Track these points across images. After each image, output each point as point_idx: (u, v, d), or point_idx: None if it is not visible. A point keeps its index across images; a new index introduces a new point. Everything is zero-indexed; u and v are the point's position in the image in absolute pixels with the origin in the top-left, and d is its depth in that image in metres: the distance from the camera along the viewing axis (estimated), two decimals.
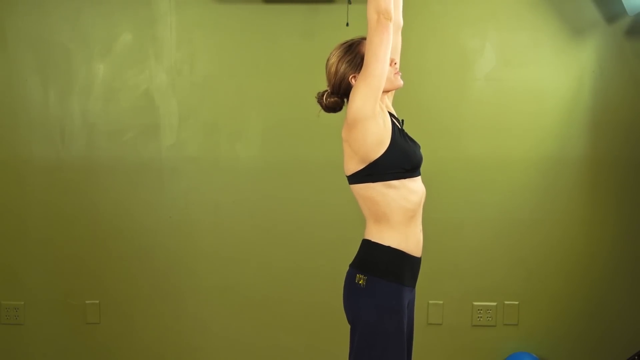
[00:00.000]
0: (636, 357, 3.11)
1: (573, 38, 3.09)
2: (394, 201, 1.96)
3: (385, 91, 2.04)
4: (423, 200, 2.05)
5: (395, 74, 2.03)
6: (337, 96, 2.04)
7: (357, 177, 1.99)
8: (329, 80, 2.04)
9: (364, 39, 2.03)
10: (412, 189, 1.99)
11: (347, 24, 2.96)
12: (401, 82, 2.05)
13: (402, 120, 2.14)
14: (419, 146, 2.07)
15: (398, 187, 1.96)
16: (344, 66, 1.99)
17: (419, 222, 2.04)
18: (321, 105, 2.07)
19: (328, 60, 2.04)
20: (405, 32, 3.05)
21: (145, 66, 3.11)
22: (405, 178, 1.97)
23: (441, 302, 3.21)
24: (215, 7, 3.07)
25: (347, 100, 2.04)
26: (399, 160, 1.95)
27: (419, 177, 2.04)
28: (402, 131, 2.04)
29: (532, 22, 3.08)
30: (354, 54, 2.00)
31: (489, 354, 3.23)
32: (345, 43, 2.04)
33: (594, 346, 3.23)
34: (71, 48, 3.09)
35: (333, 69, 2.02)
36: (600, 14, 3.08)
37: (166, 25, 3.09)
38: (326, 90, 2.06)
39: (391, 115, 2.10)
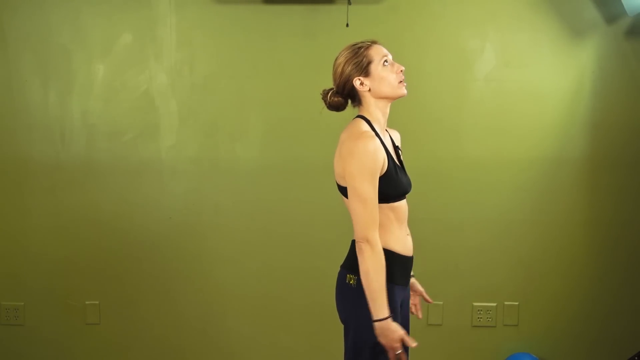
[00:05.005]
0: (636, 358, 3.10)
1: (573, 38, 3.09)
2: (380, 214, 1.98)
3: (387, 98, 2.04)
4: (407, 215, 2.09)
5: (400, 82, 2.02)
6: (341, 96, 2.04)
7: (345, 193, 2.01)
8: (334, 79, 2.05)
9: (375, 42, 2.04)
10: (396, 208, 2.02)
11: (347, 25, 2.96)
12: (404, 92, 2.04)
13: (399, 148, 2.14)
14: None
15: (383, 208, 1.99)
16: (349, 68, 2.00)
17: (404, 229, 2.07)
18: (325, 103, 2.07)
19: (336, 59, 2.04)
20: (405, 32, 3.08)
21: (145, 67, 3.11)
22: (389, 203, 2.00)
23: (441, 302, 3.21)
24: (215, 8, 3.07)
25: (351, 100, 2.06)
26: (386, 192, 1.98)
27: (404, 199, 2.08)
28: (396, 164, 2.04)
29: (532, 23, 3.08)
30: (361, 57, 2.00)
31: (489, 355, 3.23)
32: (354, 45, 2.03)
33: (594, 347, 3.23)
34: (71, 48, 3.10)
35: (339, 70, 2.02)
36: (600, 14, 3.08)
37: (166, 25, 3.09)
38: (332, 89, 2.06)
39: (390, 139, 2.11)
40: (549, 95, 3.11)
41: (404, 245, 2.04)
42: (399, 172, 2.04)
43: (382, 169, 1.94)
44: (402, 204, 2.05)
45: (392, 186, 1.98)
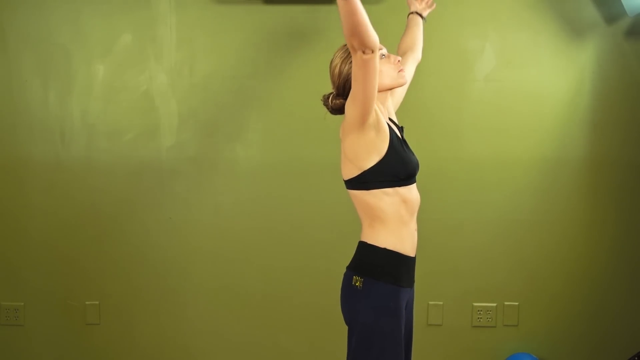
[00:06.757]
0: (636, 358, 3.11)
1: (573, 39, 3.09)
2: (389, 207, 1.98)
3: (389, 89, 2.05)
4: (418, 206, 2.06)
5: (399, 71, 2.03)
6: (342, 97, 2.04)
7: (352, 183, 2.01)
8: (333, 82, 2.05)
9: None
10: (407, 197, 2.00)
11: None
12: (405, 80, 2.05)
13: (402, 128, 2.14)
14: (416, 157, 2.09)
15: (392, 194, 1.97)
16: (347, 67, 2.00)
17: (413, 223, 2.06)
18: (327, 108, 2.08)
19: (331, 62, 2.05)
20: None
21: (145, 67, 3.10)
22: (399, 186, 1.98)
23: (441, 302, 3.21)
24: (215, 8, 3.07)
25: None
26: (394, 169, 1.96)
27: (414, 185, 2.05)
28: (400, 140, 2.04)
29: (532, 23, 3.08)
30: None
31: (489, 355, 3.23)
32: (347, 45, 2.04)
33: (594, 347, 3.23)
34: (71, 49, 3.09)
35: (337, 71, 2.02)
36: (600, 14, 3.08)
37: (166, 25, 3.09)
38: (331, 93, 2.07)
39: (392, 121, 2.11)
40: (548, 96, 3.11)
41: (411, 244, 2.04)
42: (405, 148, 2.03)
43: (380, 137, 1.93)
44: (414, 195, 2.04)
45: (400, 162, 1.97)
